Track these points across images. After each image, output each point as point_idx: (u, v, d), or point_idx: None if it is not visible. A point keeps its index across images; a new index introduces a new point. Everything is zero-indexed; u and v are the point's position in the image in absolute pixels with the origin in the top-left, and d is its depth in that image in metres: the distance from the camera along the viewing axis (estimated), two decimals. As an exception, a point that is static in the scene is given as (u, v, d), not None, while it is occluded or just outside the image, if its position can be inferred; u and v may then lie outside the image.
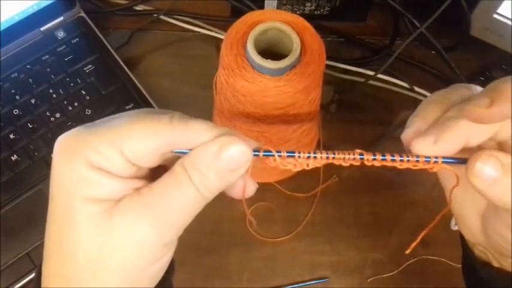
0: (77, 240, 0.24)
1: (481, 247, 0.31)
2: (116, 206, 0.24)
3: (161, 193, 0.24)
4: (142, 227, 0.24)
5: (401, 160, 0.26)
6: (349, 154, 0.27)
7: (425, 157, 0.26)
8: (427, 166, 0.27)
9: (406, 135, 0.28)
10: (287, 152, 0.26)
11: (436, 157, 0.26)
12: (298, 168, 0.27)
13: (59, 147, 0.24)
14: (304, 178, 0.55)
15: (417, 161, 0.26)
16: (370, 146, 0.56)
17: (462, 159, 0.26)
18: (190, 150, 0.25)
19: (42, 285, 0.26)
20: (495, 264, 0.31)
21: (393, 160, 0.26)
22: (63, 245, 0.24)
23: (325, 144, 0.55)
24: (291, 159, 0.26)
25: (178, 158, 0.25)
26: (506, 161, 0.25)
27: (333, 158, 0.26)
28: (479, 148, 0.28)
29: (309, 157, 0.26)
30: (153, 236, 0.24)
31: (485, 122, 0.25)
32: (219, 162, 0.24)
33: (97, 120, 0.25)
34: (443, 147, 0.26)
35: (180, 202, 0.24)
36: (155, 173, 0.26)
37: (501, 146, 0.28)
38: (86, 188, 0.24)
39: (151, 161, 0.25)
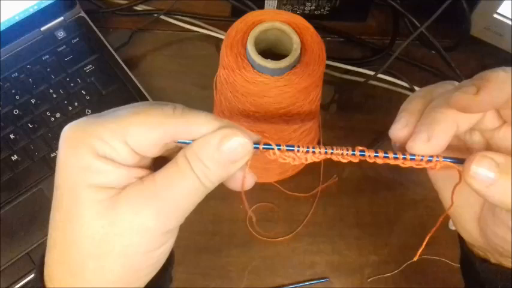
0: (81, 226, 0.24)
1: (480, 247, 0.31)
2: (119, 193, 0.25)
3: (164, 182, 0.25)
4: (145, 215, 0.24)
5: (404, 158, 0.26)
6: (347, 150, 0.27)
7: (429, 156, 0.26)
8: (429, 165, 0.27)
9: (392, 130, 0.28)
10: (286, 146, 0.27)
11: (438, 156, 0.26)
12: (297, 162, 0.27)
13: (65, 136, 0.25)
14: (304, 178, 0.55)
15: (421, 159, 0.26)
16: (370, 146, 0.56)
17: (461, 159, 0.26)
18: (193, 141, 0.25)
19: (46, 275, 0.26)
20: (493, 261, 0.31)
21: (395, 158, 0.27)
22: (67, 232, 0.25)
23: (325, 144, 0.55)
24: (290, 153, 0.27)
25: (180, 149, 0.26)
26: (501, 161, 0.25)
27: (331, 153, 0.27)
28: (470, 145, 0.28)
29: (307, 151, 0.27)
30: (156, 223, 0.25)
31: (472, 111, 0.26)
32: (220, 153, 0.25)
33: (101, 112, 0.26)
34: (436, 142, 0.26)
35: (182, 191, 0.25)
36: (157, 164, 0.26)
37: (485, 136, 0.28)
38: (91, 175, 0.24)
39: (154, 150, 0.26)
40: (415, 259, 0.29)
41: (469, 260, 0.33)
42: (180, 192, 0.25)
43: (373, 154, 0.27)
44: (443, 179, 0.31)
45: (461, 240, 0.33)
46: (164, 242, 0.26)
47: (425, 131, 0.26)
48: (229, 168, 0.25)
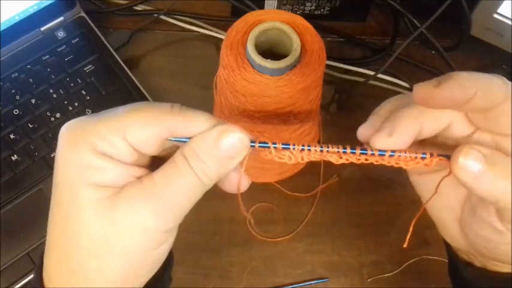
0: (81, 226, 0.24)
1: (464, 250, 0.31)
2: (118, 192, 0.25)
3: (162, 180, 0.25)
4: (144, 214, 0.24)
5: (404, 156, 0.27)
6: (344, 148, 0.27)
7: (422, 153, 0.27)
8: (425, 161, 0.27)
9: (360, 130, 0.29)
10: (282, 144, 0.27)
11: (431, 153, 0.27)
12: (294, 161, 0.27)
13: (64, 134, 0.25)
14: (304, 178, 0.55)
15: (415, 157, 0.27)
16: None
17: (448, 155, 0.26)
18: (188, 139, 0.25)
19: (45, 274, 0.26)
20: (478, 264, 0.31)
21: (399, 156, 0.27)
22: (67, 231, 0.25)
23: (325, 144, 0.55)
24: (286, 152, 0.27)
25: (177, 149, 0.26)
26: (488, 152, 0.25)
27: (327, 151, 0.27)
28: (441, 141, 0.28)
29: (303, 149, 0.27)
30: (155, 222, 0.25)
31: (432, 104, 0.26)
32: (218, 149, 0.25)
33: (99, 112, 0.26)
34: (397, 138, 0.27)
35: (180, 189, 0.25)
36: (155, 167, 0.26)
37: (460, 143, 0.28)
38: (91, 173, 0.24)
39: (152, 147, 0.26)
40: (405, 245, 0.29)
41: (454, 264, 0.33)
42: (179, 190, 0.25)
43: (376, 152, 0.27)
44: (425, 183, 0.31)
45: (448, 245, 0.33)
46: (163, 241, 0.26)
47: (388, 127, 0.27)
48: (227, 164, 0.26)
